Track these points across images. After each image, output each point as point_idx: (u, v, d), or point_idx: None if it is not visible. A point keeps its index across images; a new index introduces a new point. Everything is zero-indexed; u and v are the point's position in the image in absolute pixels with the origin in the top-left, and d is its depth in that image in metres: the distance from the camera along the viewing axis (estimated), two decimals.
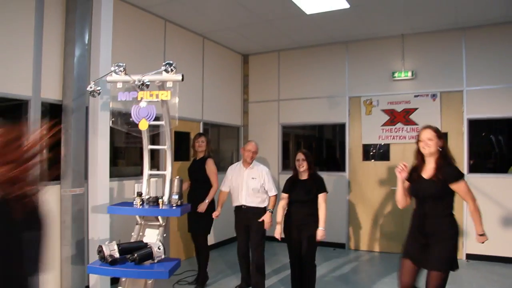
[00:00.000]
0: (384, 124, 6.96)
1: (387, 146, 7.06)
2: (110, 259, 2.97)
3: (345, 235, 7.24)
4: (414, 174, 3.31)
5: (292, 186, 4.44)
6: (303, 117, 7.69)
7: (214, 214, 4.92)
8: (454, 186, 3.13)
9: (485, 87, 6.37)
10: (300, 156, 4.39)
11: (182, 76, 3.13)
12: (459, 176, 3.17)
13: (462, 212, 6.37)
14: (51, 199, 4.59)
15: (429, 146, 3.18)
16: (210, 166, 5.15)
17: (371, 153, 7.24)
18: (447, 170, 3.15)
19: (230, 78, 7.89)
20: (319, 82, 7.53)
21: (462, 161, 6.42)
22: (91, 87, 3.03)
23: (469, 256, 6.35)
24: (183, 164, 6.17)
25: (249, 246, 4.91)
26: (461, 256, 6.39)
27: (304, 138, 8.92)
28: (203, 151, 5.25)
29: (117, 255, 3.02)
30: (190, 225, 5.28)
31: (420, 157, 3.30)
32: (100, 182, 4.54)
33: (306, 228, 4.31)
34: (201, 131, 6.86)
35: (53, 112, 4.80)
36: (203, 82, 7.00)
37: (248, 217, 4.78)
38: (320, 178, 4.46)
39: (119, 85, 3.22)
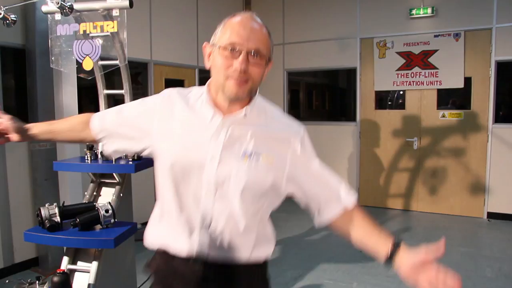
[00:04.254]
0: (400, 69, 6.19)
1: (402, 93, 6.34)
2: (48, 224, 2.50)
3: (355, 190, 6.68)
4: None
5: None
6: (309, 62, 6.95)
7: None
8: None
9: None
10: None
11: (130, 2, 2.52)
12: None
13: (485, 166, 5.72)
14: (20, 154, 4.16)
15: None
16: None
17: (385, 101, 6.55)
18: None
19: None
20: (327, 23, 6.71)
21: (488, 109, 5.69)
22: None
23: (491, 215, 5.73)
24: None
25: None
26: (482, 215, 5.78)
27: (316, 87, 8.26)
28: None
29: (57, 219, 2.54)
30: None
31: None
32: None
33: None
34: (196, 78, 6.28)
35: (16, 58, 4.31)
36: (198, 24, 6.30)
37: None
38: None
39: (57, 16, 2.64)
